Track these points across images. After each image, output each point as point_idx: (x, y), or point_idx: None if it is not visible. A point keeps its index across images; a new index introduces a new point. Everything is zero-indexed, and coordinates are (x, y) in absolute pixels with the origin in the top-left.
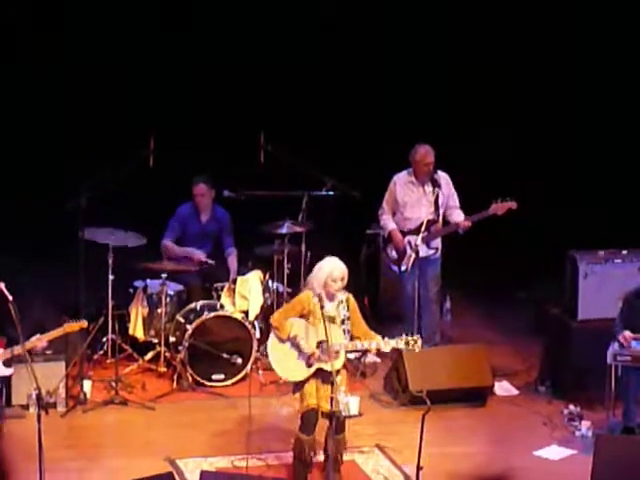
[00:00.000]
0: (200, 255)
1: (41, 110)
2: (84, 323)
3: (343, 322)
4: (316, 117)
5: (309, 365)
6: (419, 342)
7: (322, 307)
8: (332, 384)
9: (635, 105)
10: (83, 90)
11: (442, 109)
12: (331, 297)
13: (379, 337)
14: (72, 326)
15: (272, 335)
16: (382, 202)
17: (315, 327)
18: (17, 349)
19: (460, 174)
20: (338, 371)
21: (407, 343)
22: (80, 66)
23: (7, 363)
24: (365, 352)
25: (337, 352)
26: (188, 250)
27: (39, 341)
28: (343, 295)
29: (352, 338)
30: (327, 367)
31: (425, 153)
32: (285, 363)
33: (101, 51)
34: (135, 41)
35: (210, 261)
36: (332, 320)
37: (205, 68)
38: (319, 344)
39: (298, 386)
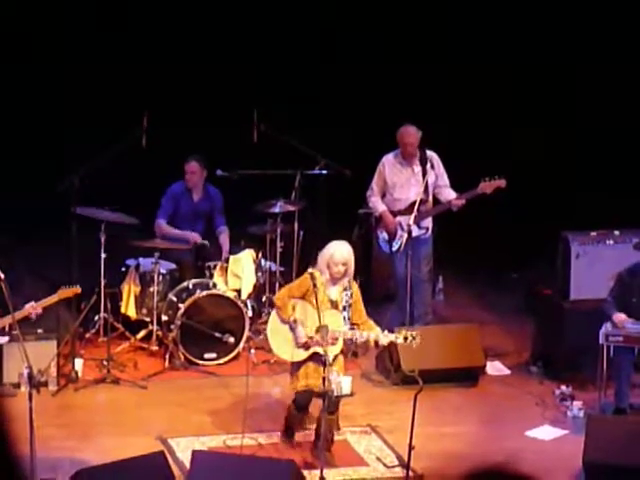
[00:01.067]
0: (195, 237)
1: (34, 91)
2: (78, 289)
3: (345, 309)
4: (309, 95)
5: (306, 348)
6: (418, 339)
7: (314, 285)
8: (324, 364)
9: (628, 84)
10: (75, 72)
11: (435, 87)
12: (335, 281)
13: (378, 329)
14: (66, 292)
15: (273, 314)
16: (371, 183)
17: (315, 310)
18: (7, 319)
19: (451, 154)
20: (336, 356)
21: (405, 338)
22: (74, 44)
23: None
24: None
25: (336, 339)
26: (184, 233)
27: (33, 308)
28: (348, 283)
29: (351, 325)
30: (326, 351)
31: (403, 132)
32: (283, 343)
33: (95, 27)
34: (128, 18)
35: (205, 242)
36: (334, 305)
37: (199, 45)
38: (319, 328)
39: (294, 366)
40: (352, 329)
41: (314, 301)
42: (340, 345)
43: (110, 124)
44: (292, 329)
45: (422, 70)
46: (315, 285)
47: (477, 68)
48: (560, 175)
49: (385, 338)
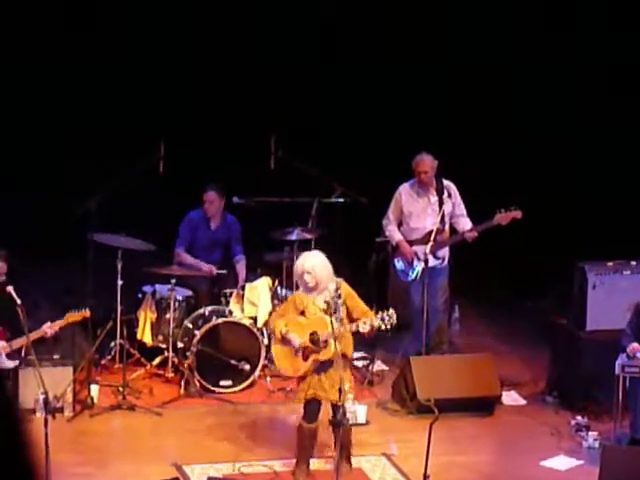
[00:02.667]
0: (212, 269)
1: (50, 114)
2: (87, 313)
3: (335, 311)
4: (326, 123)
5: (305, 358)
6: (394, 315)
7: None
8: (340, 391)
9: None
10: (93, 94)
11: (451, 117)
12: (310, 290)
13: (369, 317)
14: (74, 316)
15: (272, 342)
16: (387, 212)
17: (307, 321)
18: (22, 340)
19: (466, 183)
20: (332, 362)
21: (382, 319)
22: (90, 70)
23: (12, 357)
24: (373, 359)
25: (325, 342)
26: (199, 264)
27: (49, 328)
28: (333, 284)
29: (350, 321)
30: (321, 357)
31: (419, 161)
32: (286, 361)
33: (111, 54)
34: (145, 44)
35: (222, 271)
36: (326, 311)
37: (216, 73)
38: (311, 336)
39: (300, 380)
40: (338, 327)
41: (310, 314)
42: (331, 348)
43: (127, 152)
44: (286, 341)
45: (440, 100)
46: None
47: (492, 92)
48: (575, 205)
49: (364, 325)
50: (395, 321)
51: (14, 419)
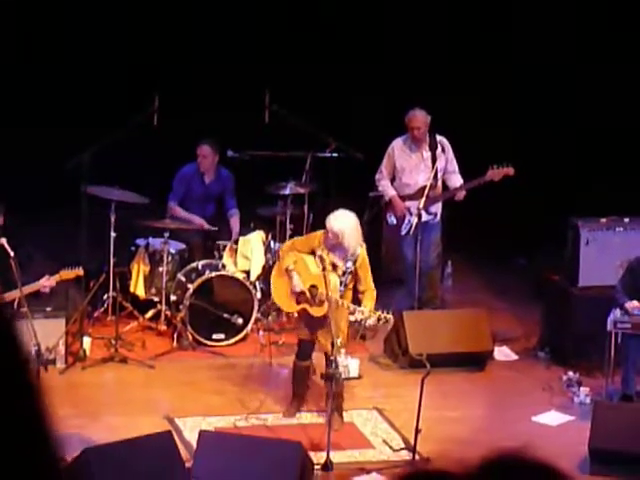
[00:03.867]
0: (202, 223)
1: (44, 68)
2: (80, 271)
3: (344, 274)
4: (321, 77)
5: (298, 302)
6: (391, 321)
7: (313, 253)
8: (332, 345)
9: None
10: (87, 45)
11: (445, 74)
12: (332, 247)
13: (371, 303)
14: (68, 273)
15: (277, 264)
16: (380, 167)
17: (315, 270)
18: (15, 292)
19: (459, 139)
20: (325, 317)
21: (379, 319)
22: (85, 25)
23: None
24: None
25: (322, 301)
26: (192, 218)
27: (47, 280)
28: (354, 247)
29: (356, 291)
30: (312, 312)
31: (411, 117)
32: (281, 292)
33: (106, 9)
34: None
35: (213, 228)
36: (334, 267)
37: (210, 27)
38: (311, 287)
39: (297, 319)
40: (341, 297)
41: (318, 261)
42: (325, 308)
43: (122, 104)
44: (290, 277)
45: (435, 55)
46: (314, 254)
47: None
48: (571, 161)
49: (359, 314)
50: (390, 326)
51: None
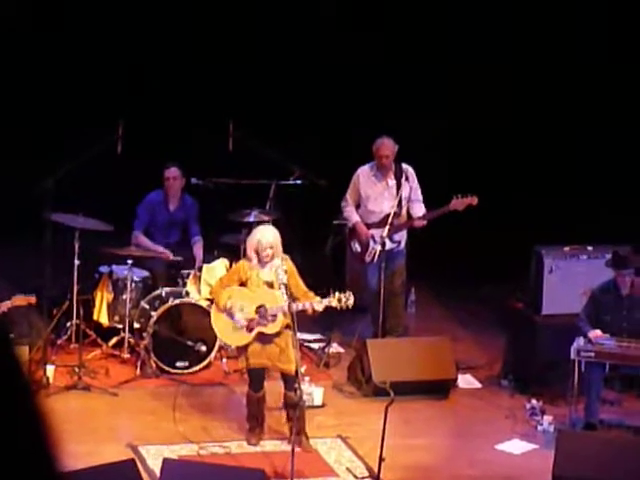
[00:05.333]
0: (168, 254)
1: (8, 95)
2: (32, 298)
3: (280, 287)
4: (285, 106)
5: (249, 329)
6: (351, 298)
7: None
8: (296, 373)
9: (599, 99)
10: (52, 73)
11: (410, 100)
12: (264, 264)
13: (317, 298)
14: (20, 299)
15: (213, 307)
16: (345, 194)
17: (254, 293)
18: None
19: (424, 168)
20: (279, 333)
21: (339, 300)
22: (51, 49)
23: None
24: (329, 341)
25: (274, 316)
26: (157, 249)
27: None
28: (281, 260)
29: (293, 300)
30: (267, 330)
31: (380, 145)
32: (228, 331)
33: (70, 36)
34: (104, 26)
35: (177, 258)
36: (270, 285)
37: (175, 54)
38: (258, 309)
39: (241, 349)
40: (290, 303)
41: (253, 286)
42: (280, 322)
43: (86, 131)
44: (229, 315)
45: (400, 82)
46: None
47: (453, 77)
48: (534, 190)
49: (319, 304)
50: (351, 303)
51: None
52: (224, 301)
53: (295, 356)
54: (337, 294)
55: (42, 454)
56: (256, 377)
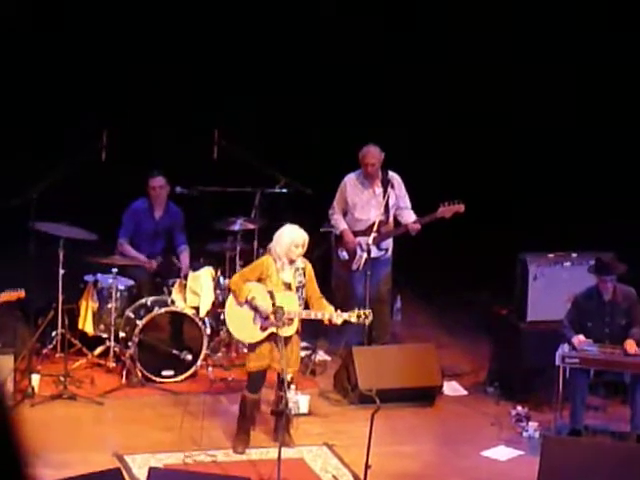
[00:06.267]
0: (152, 264)
1: None
2: (21, 293)
3: (298, 289)
4: (270, 114)
5: (263, 329)
6: (370, 316)
7: (259, 280)
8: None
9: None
10: (39, 83)
11: (398, 109)
12: (290, 263)
13: (331, 308)
14: (10, 295)
15: (230, 298)
16: (333, 202)
17: (276, 295)
18: None
19: (411, 175)
20: (290, 337)
21: (359, 316)
22: (32, 60)
23: None
24: (315, 349)
25: (291, 320)
26: (141, 258)
27: None
28: (301, 262)
29: (306, 304)
30: (281, 333)
31: (365, 153)
32: (241, 325)
33: (53, 43)
34: (88, 33)
35: (160, 270)
36: (288, 287)
37: (158, 63)
38: (274, 310)
39: (249, 347)
40: (307, 309)
41: (272, 284)
42: (295, 326)
43: (70, 140)
44: (252, 308)
45: (386, 89)
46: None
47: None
48: (519, 198)
49: (339, 317)
50: (370, 321)
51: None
52: (247, 293)
53: (296, 359)
54: (357, 310)
55: (12, 464)
56: (257, 379)
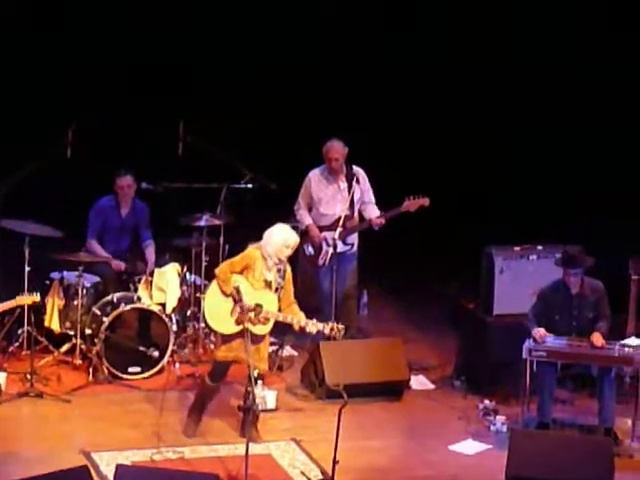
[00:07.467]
0: (120, 265)
1: None
2: (37, 297)
3: (277, 290)
4: (235, 108)
5: (238, 323)
6: (342, 331)
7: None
8: (249, 377)
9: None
10: (2, 80)
11: (364, 103)
12: (278, 263)
13: (302, 314)
14: (24, 299)
15: (213, 285)
16: (298, 198)
17: (255, 291)
18: None
19: (375, 169)
20: (263, 336)
21: (332, 329)
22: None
23: None
24: (282, 344)
25: (267, 319)
26: (109, 258)
27: None
28: (283, 265)
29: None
30: (255, 330)
31: (329, 147)
32: (217, 314)
33: (19, 40)
34: (53, 30)
35: (126, 272)
36: (268, 285)
37: (125, 58)
38: (255, 307)
39: (221, 338)
40: (285, 315)
41: (253, 279)
42: (269, 326)
43: (35, 137)
44: (234, 300)
45: (350, 83)
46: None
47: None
48: (484, 190)
49: (313, 326)
50: (341, 335)
51: None
52: (234, 282)
53: (265, 356)
54: (330, 323)
55: None
56: (221, 369)
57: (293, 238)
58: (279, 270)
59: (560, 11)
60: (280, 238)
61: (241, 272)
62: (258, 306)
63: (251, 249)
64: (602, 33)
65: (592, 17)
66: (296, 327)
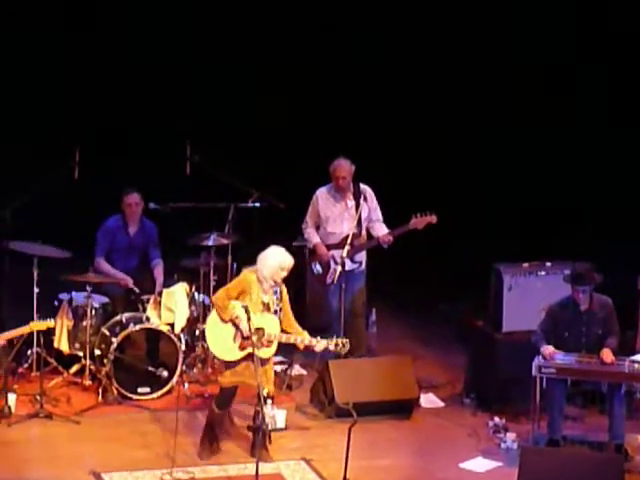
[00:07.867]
0: (128, 282)
1: None
2: (51, 322)
3: (276, 312)
4: (243, 128)
5: (242, 348)
6: (347, 346)
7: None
8: (259, 397)
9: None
10: (8, 101)
11: (370, 122)
12: (274, 286)
13: (306, 333)
14: (38, 324)
15: (213, 313)
16: (305, 216)
17: (255, 315)
18: None
19: (383, 187)
20: (268, 359)
21: (336, 345)
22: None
23: None
24: (291, 363)
25: (270, 342)
26: (117, 275)
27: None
28: (278, 286)
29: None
30: (260, 354)
31: (336, 166)
32: (221, 342)
33: (25, 61)
34: (58, 50)
35: (136, 289)
36: (267, 307)
37: (130, 79)
38: (256, 331)
39: (228, 362)
40: (286, 333)
41: (250, 303)
42: (274, 348)
43: (42, 158)
44: (235, 326)
45: (354, 104)
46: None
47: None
48: (493, 208)
49: (319, 344)
50: (347, 350)
51: None
52: (231, 311)
53: (271, 378)
54: (335, 339)
55: None
56: (228, 395)
57: (288, 260)
58: (275, 292)
59: (560, 11)
60: (275, 261)
61: (237, 297)
62: (259, 329)
63: (246, 273)
64: (602, 33)
65: (599, 17)
66: (300, 346)
